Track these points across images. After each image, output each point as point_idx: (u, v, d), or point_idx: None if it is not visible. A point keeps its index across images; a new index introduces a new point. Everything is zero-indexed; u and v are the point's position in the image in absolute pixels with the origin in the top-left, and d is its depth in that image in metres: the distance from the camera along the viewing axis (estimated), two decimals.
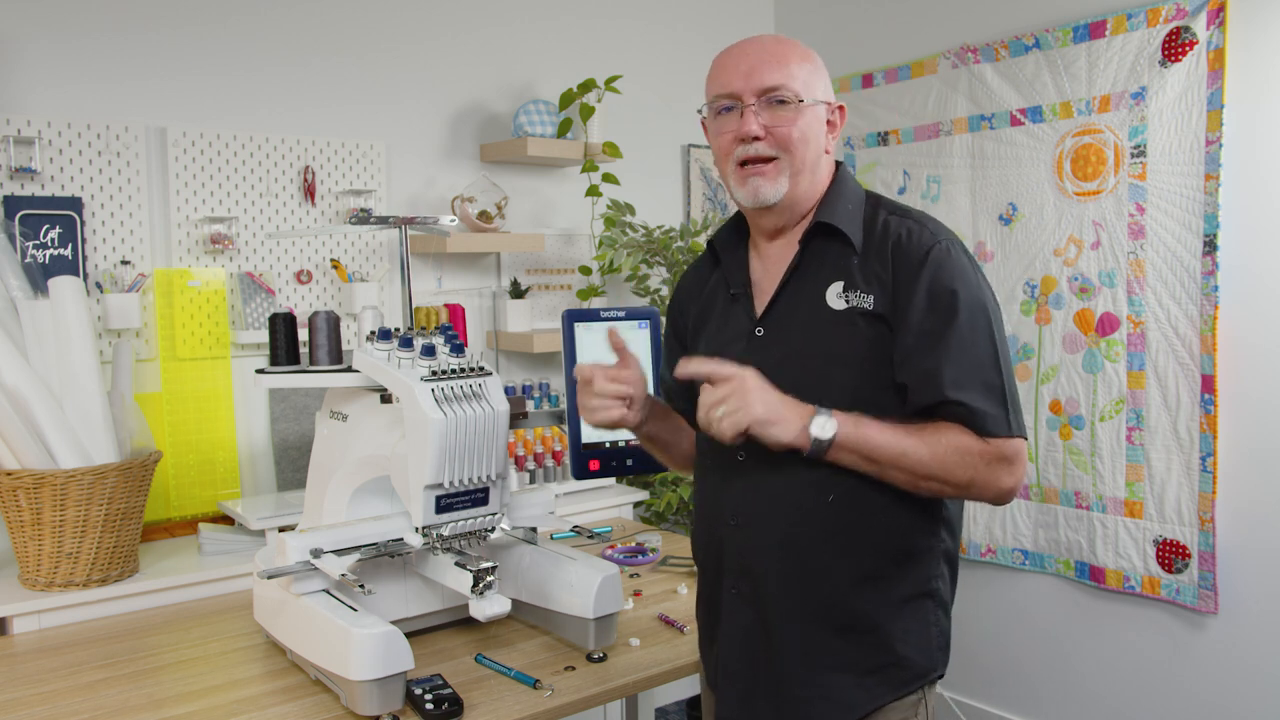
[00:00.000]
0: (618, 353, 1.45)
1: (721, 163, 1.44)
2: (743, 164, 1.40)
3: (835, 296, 1.36)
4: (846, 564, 1.36)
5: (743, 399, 1.26)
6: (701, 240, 3.23)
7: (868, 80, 3.51)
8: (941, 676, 1.43)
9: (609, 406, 1.41)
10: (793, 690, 1.38)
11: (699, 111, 1.48)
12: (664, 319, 1.69)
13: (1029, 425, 3.09)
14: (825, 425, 1.27)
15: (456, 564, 1.69)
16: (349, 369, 1.83)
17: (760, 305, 1.44)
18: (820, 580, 1.36)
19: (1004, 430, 1.29)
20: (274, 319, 1.91)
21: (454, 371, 1.70)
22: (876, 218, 1.40)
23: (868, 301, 1.34)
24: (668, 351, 1.63)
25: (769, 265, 1.47)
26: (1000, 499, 1.32)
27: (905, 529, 1.37)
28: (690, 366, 1.32)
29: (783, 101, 1.37)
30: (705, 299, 1.56)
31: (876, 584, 1.36)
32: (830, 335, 1.35)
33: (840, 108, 1.45)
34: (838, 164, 1.49)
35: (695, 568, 1.62)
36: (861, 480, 1.32)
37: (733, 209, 3.95)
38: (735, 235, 1.54)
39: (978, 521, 3.24)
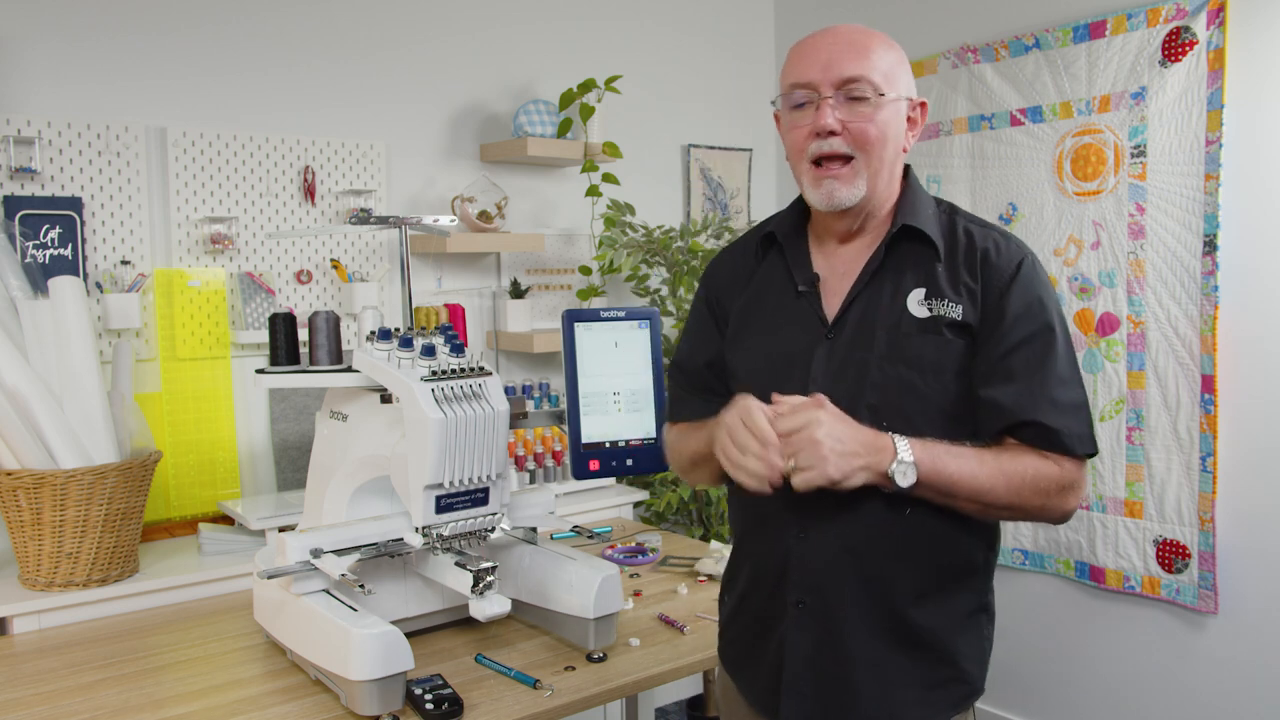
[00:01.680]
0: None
1: (795, 160, 1.36)
2: (817, 163, 1.32)
3: (917, 304, 1.32)
4: (915, 578, 1.33)
5: (815, 453, 1.18)
6: (702, 240, 3.23)
7: None
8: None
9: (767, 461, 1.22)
10: (862, 708, 1.34)
11: (772, 103, 1.40)
12: (682, 302, 1.61)
13: None
14: (907, 472, 1.22)
15: (456, 564, 1.69)
16: (349, 369, 1.83)
17: (831, 306, 1.37)
18: (891, 594, 1.33)
19: (1088, 447, 1.29)
20: (274, 319, 1.91)
21: (454, 371, 1.70)
22: (955, 225, 1.37)
23: (955, 311, 1.30)
24: (698, 332, 1.52)
25: (838, 264, 1.40)
26: (1063, 520, 1.33)
27: (969, 544, 1.35)
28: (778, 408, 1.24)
29: (861, 96, 1.29)
30: (754, 291, 1.46)
31: (941, 598, 1.34)
32: (916, 343, 1.31)
33: (922, 104, 1.38)
34: (906, 166, 1.42)
35: (729, 581, 1.52)
36: None
37: (734, 210, 3.94)
38: (797, 227, 1.46)
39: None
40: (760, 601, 1.42)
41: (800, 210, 1.46)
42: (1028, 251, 1.34)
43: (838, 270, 1.40)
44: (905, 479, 1.23)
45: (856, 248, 1.40)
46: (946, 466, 1.24)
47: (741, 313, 1.46)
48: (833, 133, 1.30)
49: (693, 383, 1.51)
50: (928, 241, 1.34)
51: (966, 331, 1.30)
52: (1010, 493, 1.26)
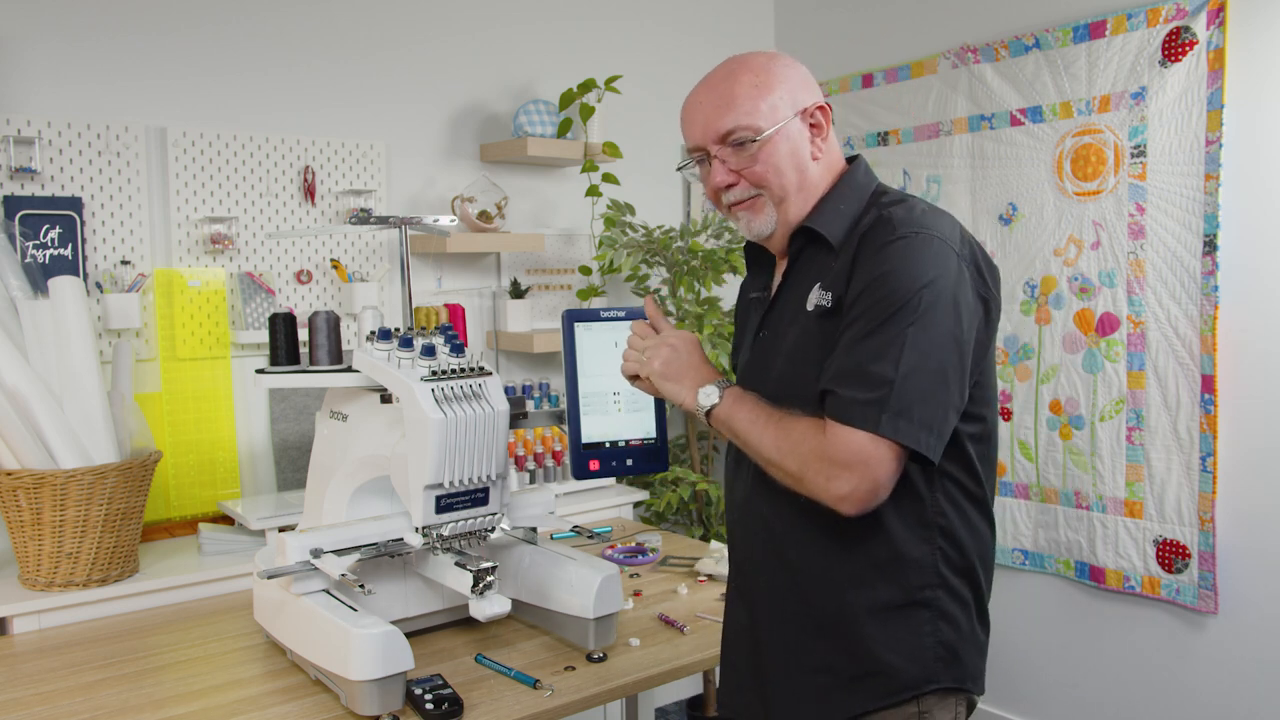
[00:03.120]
0: (652, 319, 1.49)
1: (716, 206, 1.47)
2: (729, 207, 1.43)
3: (812, 298, 1.35)
4: (826, 566, 1.34)
5: (655, 352, 1.40)
6: (702, 240, 3.23)
7: (868, 80, 3.51)
8: (953, 690, 1.35)
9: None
10: (776, 688, 1.40)
11: (679, 169, 1.56)
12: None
13: (1029, 426, 3.09)
14: (710, 394, 1.35)
15: (456, 564, 1.69)
16: (349, 369, 1.83)
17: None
18: (800, 581, 1.37)
19: (865, 423, 1.19)
20: (274, 319, 1.91)
21: (454, 371, 1.70)
22: (867, 214, 1.35)
23: (827, 299, 1.31)
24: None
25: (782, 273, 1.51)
26: (833, 504, 1.22)
27: (890, 535, 1.31)
28: (649, 309, 1.48)
29: (741, 143, 1.36)
30: (743, 304, 1.62)
31: (858, 589, 1.32)
32: (794, 335, 1.37)
33: (821, 108, 1.39)
34: (854, 159, 1.45)
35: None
36: None
37: None
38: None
39: None
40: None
41: None
42: (923, 228, 1.27)
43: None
44: (707, 400, 1.35)
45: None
46: (740, 408, 1.33)
47: (737, 322, 1.64)
48: (731, 184, 1.39)
49: None
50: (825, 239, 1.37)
51: (834, 314, 1.30)
52: (774, 448, 1.27)
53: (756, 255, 1.55)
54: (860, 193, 1.40)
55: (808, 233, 1.39)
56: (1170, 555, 2.77)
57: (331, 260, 2.83)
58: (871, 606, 1.32)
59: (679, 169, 1.54)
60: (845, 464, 1.21)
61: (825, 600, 1.35)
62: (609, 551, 2.43)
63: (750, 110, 1.35)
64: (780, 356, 1.39)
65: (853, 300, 1.27)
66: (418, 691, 1.58)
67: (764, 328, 1.45)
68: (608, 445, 1.62)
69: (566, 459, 2.90)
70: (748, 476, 1.43)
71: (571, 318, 1.56)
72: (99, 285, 2.47)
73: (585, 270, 3.30)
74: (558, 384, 3.21)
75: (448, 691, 1.60)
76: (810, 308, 1.35)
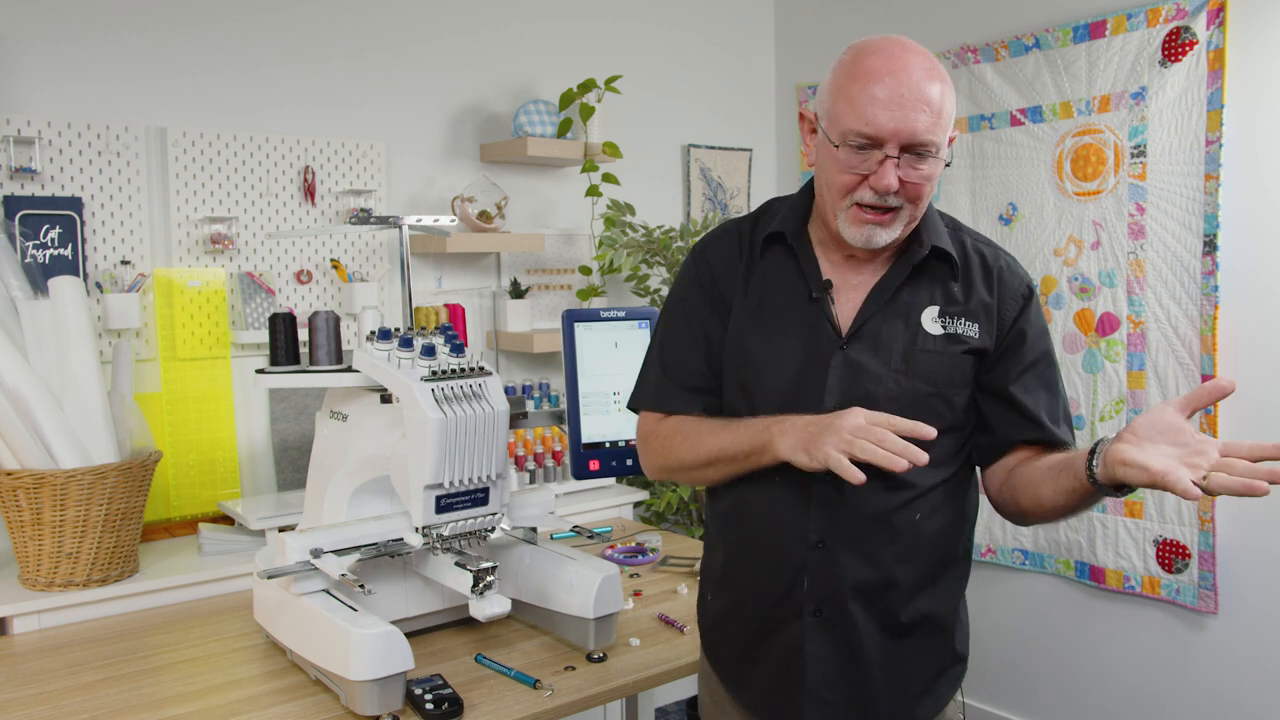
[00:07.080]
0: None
1: (834, 196, 1.33)
2: (860, 205, 1.31)
3: (932, 320, 1.36)
4: (925, 575, 1.40)
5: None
6: None
7: None
8: None
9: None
10: (883, 707, 1.39)
11: (821, 130, 1.33)
12: (668, 297, 1.51)
13: None
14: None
15: (456, 564, 1.69)
16: (349, 369, 1.83)
17: (844, 315, 1.38)
18: (908, 595, 1.38)
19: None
20: (274, 319, 1.91)
21: (454, 371, 1.70)
22: (964, 243, 1.42)
23: (971, 329, 1.36)
24: (695, 323, 1.46)
25: (849, 275, 1.40)
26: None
27: (964, 537, 1.46)
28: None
29: (923, 156, 1.28)
30: (758, 289, 1.43)
31: (941, 588, 1.42)
32: (932, 359, 1.35)
33: (951, 139, 1.34)
34: None
35: (712, 587, 1.51)
36: (937, 496, 1.38)
37: (733, 211, 3.93)
38: (802, 228, 1.43)
39: (978, 521, 3.23)
40: (765, 607, 1.41)
41: (805, 210, 1.44)
42: (1026, 273, 1.46)
43: (849, 281, 1.40)
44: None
45: (873, 264, 1.40)
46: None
47: (748, 311, 1.43)
48: (893, 190, 1.28)
49: (685, 379, 1.46)
50: (944, 259, 1.39)
51: (980, 347, 1.37)
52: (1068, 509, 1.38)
53: (802, 246, 1.41)
54: (938, 216, 1.43)
55: (936, 253, 1.38)
56: (1170, 555, 2.77)
57: (331, 260, 2.83)
58: (949, 602, 1.44)
59: (835, 145, 1.30)
60: None
61: (923, 608, 1.40)
62: (609, 551, 2.43)
63: (945, 127, 1.30)
64: (896, 376, 1.34)
65: (1030, 341, 1.39)
66: (418, 691, 1.58)
67: (851, 339, 1.36)
68: (608, 445, 1.62)
69: (566, 459, 2.90)
70: (833, 502, 1.34)
71: (571, 318, 1.56)
72: (99, 285, 2.47)
73: (585, 270, 3.30)
74: (558, 384, 3.21)
75: (448, 691, 1.60)
76: (936, 331, 1.36)
